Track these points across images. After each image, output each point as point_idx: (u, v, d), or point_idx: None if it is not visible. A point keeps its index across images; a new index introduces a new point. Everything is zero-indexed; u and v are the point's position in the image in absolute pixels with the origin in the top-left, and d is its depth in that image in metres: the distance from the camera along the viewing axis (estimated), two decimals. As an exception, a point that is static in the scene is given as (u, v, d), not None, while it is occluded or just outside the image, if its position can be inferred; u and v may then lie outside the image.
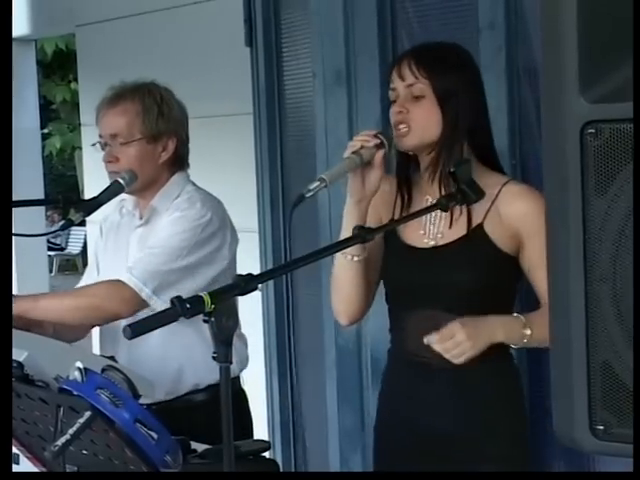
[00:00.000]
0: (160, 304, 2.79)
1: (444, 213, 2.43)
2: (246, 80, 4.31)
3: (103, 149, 2.99)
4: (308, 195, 2.23)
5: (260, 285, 2.04)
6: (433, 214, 2.46)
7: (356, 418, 3.87)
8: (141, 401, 2.66)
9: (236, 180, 4.46)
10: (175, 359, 2.95)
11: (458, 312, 2.41)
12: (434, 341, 2.35)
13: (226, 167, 4.56)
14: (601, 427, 1.50)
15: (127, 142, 2.93)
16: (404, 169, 2.55)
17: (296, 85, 4.18)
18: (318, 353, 3.99)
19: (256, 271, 2.05)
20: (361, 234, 2.24)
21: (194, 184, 3.04)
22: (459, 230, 2.44)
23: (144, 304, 2.81)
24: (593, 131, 1.45)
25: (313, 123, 3.95)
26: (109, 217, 3.17)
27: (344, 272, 2.51)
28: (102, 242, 3.17)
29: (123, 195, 3.05)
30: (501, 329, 2.38)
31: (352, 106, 3.76)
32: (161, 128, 2.95)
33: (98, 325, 2.99)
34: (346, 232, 2.40)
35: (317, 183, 2.24)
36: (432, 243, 2.48)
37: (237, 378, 3.04)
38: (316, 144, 3.93)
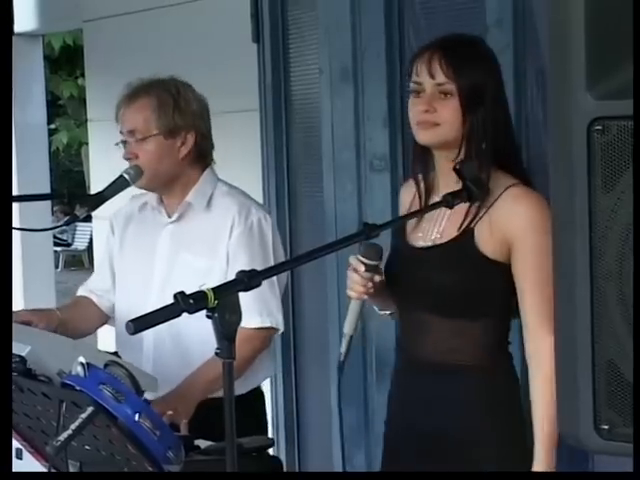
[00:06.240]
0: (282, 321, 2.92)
1: (449, 213, 2.40)
2: (252, 76, 4.30)
3: (124, 146, 2.96)
4: (343, 359, 2.32)
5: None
6: (437, 214, 2.44)
7: (360, 416, 3.86)
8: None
9: (241, 177, 4.44)
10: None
11: (443, 314, 2.40)
12: None
13: (232, 163, 4.53)
14: (606, 427, 1.49)
15: (144, 138, 2.90)
16: (420, 170, 2.51)
17: (303, 81, 4.18)
18: (322, 350, 3.99)
19: (260, 267, 2.05)
20: (366, 231, 2.23)
21: (222, 180, 3.03)
22: (453, 232, 2.41)
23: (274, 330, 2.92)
24: (600, 128, 1.43)
25: (319, 120, 3.94)
26: (121, 213, 3.12)
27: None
28: (116, 240, 3.11)
29: (138, 191, 3.02)
30: None
31: (358, 102, 3.75)
32: (178, 122, 2.92)
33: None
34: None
35: (345, 342, 2.32)
36: (429, 244, 2.45)
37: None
38: (322, 141, 3.92)
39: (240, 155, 4.55)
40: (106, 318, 3.13)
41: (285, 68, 4.23)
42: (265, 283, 2.79)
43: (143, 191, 3.03)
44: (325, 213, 3.89)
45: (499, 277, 2.38)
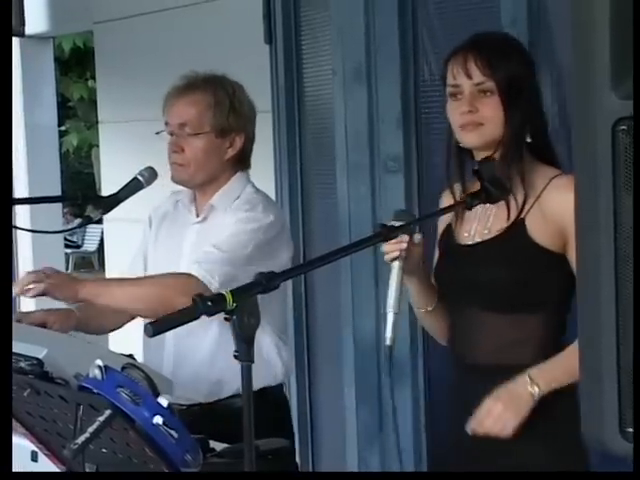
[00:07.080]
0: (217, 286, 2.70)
1: (494, 209, 2.38)
2: (265, 77, 4.29)
3: (170, 138, 2.90)
4: (391, 343, 2.20)
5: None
6: (483, 212, 2.41)
7: (374, 417, 3.85)
8: (182, 402, 2.65)
9: (254, 178, 4.43)
10: (220, 364, 2.84)
11: (498, 309, 2.37)
12: (475, 426, 2.32)
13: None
14: (631, 430, 1.47)
15: (196, 133, 2.86)
16: (459, 178, 2.48)
17: (316, 82, 4.17)
18: (336, 352, 3.98)
19: (276, 269, 2.04)
20: (383, 232, 2.22)
21: (253, 185, 2.98)
22: (501, 225, 2.39)
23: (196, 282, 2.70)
24: (625, 128, 1.42)
25: (332, 121, 3.93)
26: (160, 208, 3.08)
27: (425, 322, 2.56)
28: (152, 234, 3.07)
29: (178, 187, 2.98)
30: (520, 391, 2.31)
31: (372, 103, 3.74)
32: (231, 123, 2.89)
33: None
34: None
35: (390, 321, 2.20)
36: (478, 239, 2.43)
37: (281, 385, 2.97)
38: (335, 142, 3.91)
39: (253, 156, 4.54)
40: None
41: (298, 69, 4.22)
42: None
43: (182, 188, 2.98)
44: (339, 215, 3.88)
45: (554, 267, 2.35)
